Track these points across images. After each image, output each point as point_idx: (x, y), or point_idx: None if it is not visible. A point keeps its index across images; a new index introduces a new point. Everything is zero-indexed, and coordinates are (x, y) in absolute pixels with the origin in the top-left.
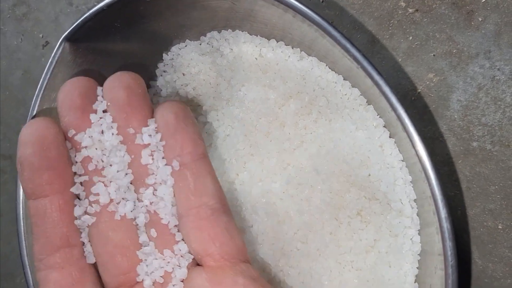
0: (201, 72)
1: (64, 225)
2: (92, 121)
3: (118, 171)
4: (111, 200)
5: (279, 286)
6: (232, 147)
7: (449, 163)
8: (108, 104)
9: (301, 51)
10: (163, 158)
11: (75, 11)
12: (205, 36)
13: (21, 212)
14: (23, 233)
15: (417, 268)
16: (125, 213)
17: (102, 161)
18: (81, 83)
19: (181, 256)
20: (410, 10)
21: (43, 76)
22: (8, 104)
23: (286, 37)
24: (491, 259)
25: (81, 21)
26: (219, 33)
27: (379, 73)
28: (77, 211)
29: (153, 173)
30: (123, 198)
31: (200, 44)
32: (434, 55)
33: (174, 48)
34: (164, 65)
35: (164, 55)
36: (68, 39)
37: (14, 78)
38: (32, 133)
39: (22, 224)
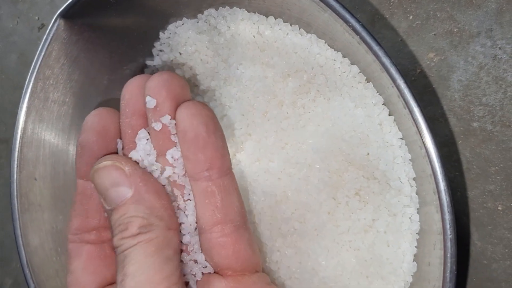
0: (198, 51)
1: (105, 210)
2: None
3: None
4: None
5: (276, 266)
6: (229, 126)
7: (449, 144)
8: (151, 114)
9: (299, 28)
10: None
11: None
12: (202, 13)
13: (15, 191)
14: (17, 212)
15: (416, 247)
16: None
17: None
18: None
19: (198, 263)
20: None
21: (37, 53)
22: (4, 88)
23: (284, 13)
24: (490, 240)
25: None
26: (217, 10)
27: (379, 44)
28: None
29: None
30: None
31: (198, 22)
32: (434, 34)
33: (171, 27)
34: (161, 44)
35: (160, 33)
36: (63, 15)
37: (10, 61)
38: (98, 122)
39: (16, 203)
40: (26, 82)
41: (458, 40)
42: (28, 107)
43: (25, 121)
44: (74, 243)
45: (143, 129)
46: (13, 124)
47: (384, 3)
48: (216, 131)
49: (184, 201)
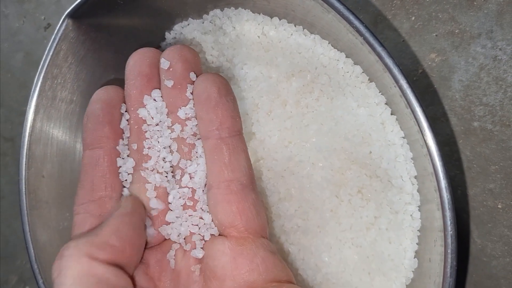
0: (203, 51)
1: (111, 176)
2: (152, 97)
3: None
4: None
5: None
6: None
7: (450, 143)
8: (164, 74)
9: (303, 28)
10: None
11: None
12: (207, 14)
13: (23, 188)
14: (25, 209)
15: (417, 244)
16: (160, 185)
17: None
18: (151, 54)
19: (204, 224)
20: None
21: (45, 52)
22: (10, 87)
23: (288, 14)
24: (490, 238)
25: None
26: (222, 11)
27: (382, 45)
28: (120, 161)
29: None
30: (163, 172)
31: (203, 23)
32: (436, 35)
33: (176, 27)
34: (167, 44)
35: (166, 33)
36: (71, 15)
37: (16, 61)
38: (103, 93)
39: (24, 199)
40: (35, 81)
41: (459, 41)
42: (36, 106)
43: (33, 119)
44: (78, 215)
45: (156, 89)
46: (19, 122)
47: (386, 4)
48: (227, 95)
49: (191, 159)
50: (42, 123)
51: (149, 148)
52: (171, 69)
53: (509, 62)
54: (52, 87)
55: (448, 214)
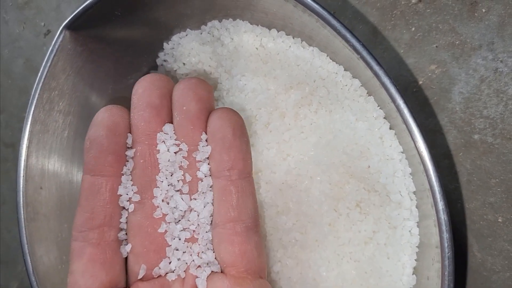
0: (201, 62)
1: (111, 206)
2: (166, 132)
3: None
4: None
5: (277, 276)
6: None
7: (450, 156)
8: (177, 112)
9: (302, 41)
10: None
11: None
12: (205, 25)
13: (21, 200)
14: (23, 221)
15: (415, 260)
16: (164, 215)
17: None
18: (161, 83)
19: (206, 264)
20: (413, 1)
21: (43, 64)
22: (10, 93)
23: (287, 27)
24: (490, 252)
25: (82, 9)
26: (220, 22)
27: (379, 64)
28: (121, 190)
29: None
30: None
31: (201, 34)
32: (436, 46)
33: (174, 37)
34: (165, 54)
35: (164, 44)
36: (68, 27)
37: (16, 67)
38: (108, 118)
39: (22, 212)
40: (32, 93)
41: (459, 52)
42: (33, 118)
43: (31, 131)
44: (77, 242)
45: (169, 124)
46: (19, 128)
47: (386, 15)
48: (242, 136)
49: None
50: (40, 136)
51: (156, 186)
52: (184, 107)
53: (510, 75)
54: (50, 98)
55: (446, 236)
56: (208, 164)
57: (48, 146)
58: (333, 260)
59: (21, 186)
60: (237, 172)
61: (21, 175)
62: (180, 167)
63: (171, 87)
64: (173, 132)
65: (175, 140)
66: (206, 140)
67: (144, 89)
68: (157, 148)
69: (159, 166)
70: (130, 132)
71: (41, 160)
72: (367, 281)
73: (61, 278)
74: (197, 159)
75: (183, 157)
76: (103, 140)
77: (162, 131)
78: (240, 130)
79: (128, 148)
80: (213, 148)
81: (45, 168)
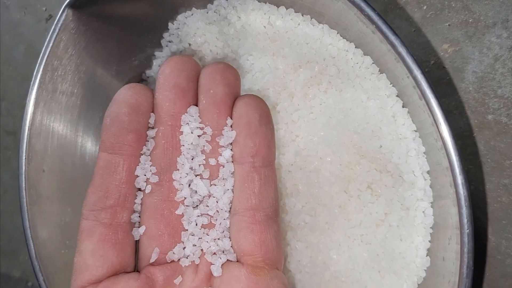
0: (207, 42)
1: (127, 186)
2: (191, 115)
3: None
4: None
5: (287, 260)
6: None
7: (463, 137)
8: (204, 95)
9: (311, 18)
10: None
11: None
12: (212, 3)
13: (23, 183)
14: (26, 204)
15: (429, 241)
16: (184, 198)
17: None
18: (189, 66)
19: (222, 252)
20: None
21: (45, 43)
22: (11, 80)
23: (296, 3)
24: (504, 235)
25: None
26: (227, 0)
27: (395, 33)
28: (139, 171)
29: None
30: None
31: (207, 13)
32: (449, 24)
33: (180, 17)
34: (170, 35)
35: (169, 24)
36: (71, 5)
37: (18, 53)
38: (131, 96)
39: (24, 194)
40: (34, 73)
41: (473, 30)
42: (36, 98)
43: (33, 113)
44: (88, 221)
45: (193, 106)
46: (21, 116)
47: None
48: (268, 124)
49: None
50: (42, 117)
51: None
52: (211, 91)
53: None
54: (53, 79)
55: (465, 211)
56: (231, 150)
57: (51, 128)
58: (343, 243)
59: (24, 168)
60: (261, 159)
61: (24, 157)
62: (202, 151)
63: (198, 70)
64: (198, 115)
65: (199, 123)
66: (231, 126)
67: (171, 70)
68: (180, 130)
69: (180, 148)
70: (153, 112)
71: (44, 142)
72: (379, 264)
73: (65, 262)
74: (220, 144)
75: (206, 141)
76: (124, 117)
77: (187, 113)
78: (266, 117)
79: (150, 128)
80: (238, 133)
81: (47, 150)
